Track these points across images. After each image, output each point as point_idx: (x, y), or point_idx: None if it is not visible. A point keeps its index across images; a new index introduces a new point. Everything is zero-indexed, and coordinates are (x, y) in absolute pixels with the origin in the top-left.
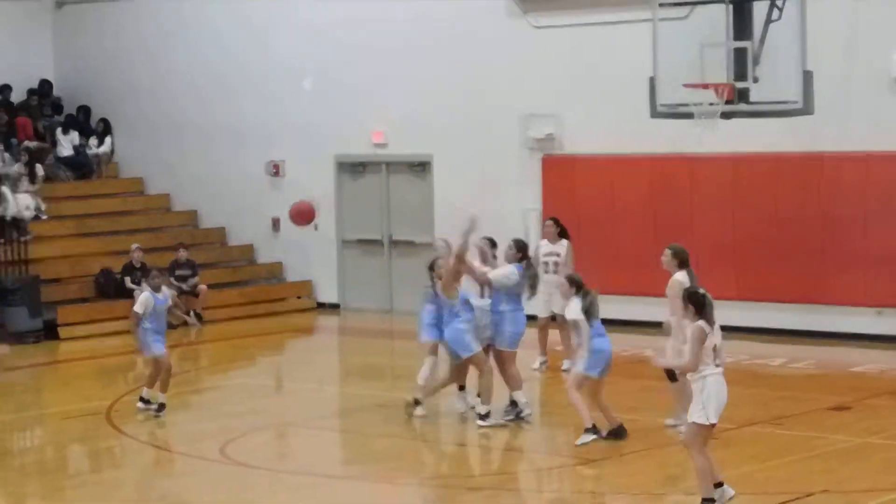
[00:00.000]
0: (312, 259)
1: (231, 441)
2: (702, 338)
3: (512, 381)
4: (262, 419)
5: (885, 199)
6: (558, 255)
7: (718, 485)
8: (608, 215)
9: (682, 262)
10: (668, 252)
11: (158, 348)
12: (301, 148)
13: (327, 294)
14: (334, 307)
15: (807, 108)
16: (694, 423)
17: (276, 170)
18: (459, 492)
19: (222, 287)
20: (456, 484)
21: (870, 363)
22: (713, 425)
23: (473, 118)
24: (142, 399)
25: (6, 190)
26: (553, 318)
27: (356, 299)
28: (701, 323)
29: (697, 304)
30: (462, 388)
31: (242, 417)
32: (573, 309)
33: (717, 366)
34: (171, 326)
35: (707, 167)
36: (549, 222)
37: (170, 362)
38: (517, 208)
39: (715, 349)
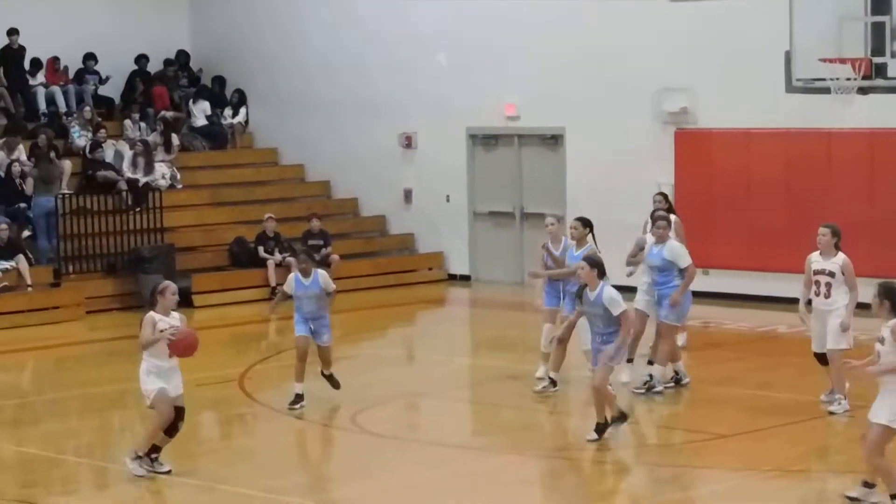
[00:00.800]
0: (444, 231)
1: (362, 410)
2: None
3: (661, 356)
4: (393, 389)
5: None
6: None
7: (870, 485)
8: (742, 190)
9: (839, 243)
10: (826, 231)
11: (298, 329)
12: (433, 120)
13: (458, 266)
14: (465, 279)
15: None
16: (885, 426)
17: (408, 141)
18: (587, 464)
19: (354, 258)
20: (584, 457)
21: None
22: None
23: (607, 91)
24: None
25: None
26: None
27: (487, 271)
28: None
29: None
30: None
31: (374, 387)
32: (617, 300)
33: None
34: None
35: (843, 142)
36: (659, 198)
37: (311, 347)
38: (650, 182)
39: None
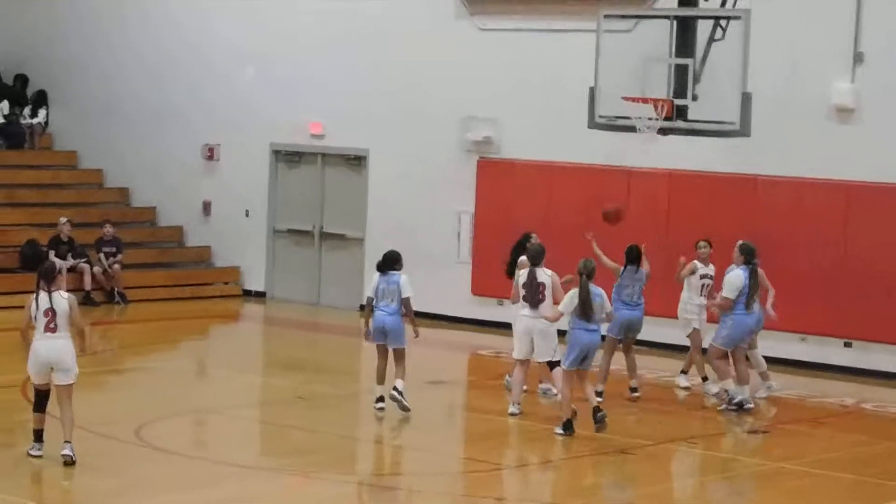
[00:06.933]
0: (242, 246)
1: (146, 424)
2: None
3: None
4: (181, 404)
5: (815, 225)
6: (711, 277)
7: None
8: (541, 222)
9: None
10: (705, 243)
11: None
12: (237, 134)
13: (255, 282)
14: (261, 296)
15: (744, 130)
16: None
17: (210, 153)
18: (374, 489)
19: (149, 268)
20: (372, 482)
21: (791, 389)
22: None
23: (413, 116)
24: None
25: None
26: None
27: (283, 289)
28: None
29: None
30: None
31: (160, 401)
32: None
33: None
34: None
35: (642, 181)
36: (703, 243)
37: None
38: (450, 209)
39: None
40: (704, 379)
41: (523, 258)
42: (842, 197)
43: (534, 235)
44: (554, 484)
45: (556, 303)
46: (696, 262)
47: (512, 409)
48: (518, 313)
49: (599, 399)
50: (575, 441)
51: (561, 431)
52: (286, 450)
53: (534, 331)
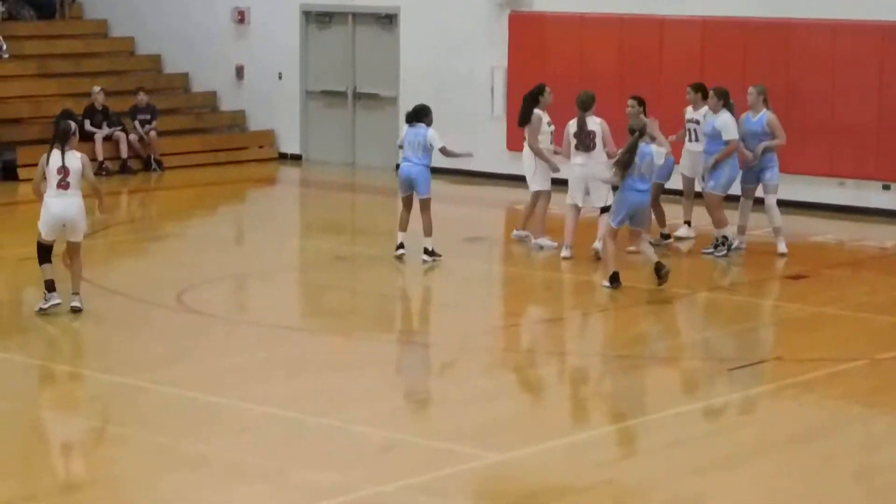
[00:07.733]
0: (276, 109)
1: (188, 289)
2: None
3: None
4: (221, 268)
5: (851, 69)
6: (697, 122)
7: None
8: (574, 74)
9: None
10: (689, 90)
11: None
12: None
13: (290, 145)
14: (296, 158)
15: None
16: None
17: (241, 17)
18: (416, 347)
19: (184, 134)
20: (412, 340)
21: (830, 233)
22: None
23: None
24: None
25: None
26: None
27: (319, 151)
28: None
29: None
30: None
31: (201, 266)
32: None
33: None
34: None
35: (675, 30)
36: (689, 89)
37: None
38: (483, 64)
39: None
40: (687, 223)
41: (538, 111)
42: (877, 38)
43: (547, 87)
44: (594, 335)
45: (607, 151)
46: (687, 108)
47: (564, 252)
48: (572, 162)
49: (667, 240)
50: (617, 292)
51: (607, 284)
52: (327, 311)
53: (588, 178)
